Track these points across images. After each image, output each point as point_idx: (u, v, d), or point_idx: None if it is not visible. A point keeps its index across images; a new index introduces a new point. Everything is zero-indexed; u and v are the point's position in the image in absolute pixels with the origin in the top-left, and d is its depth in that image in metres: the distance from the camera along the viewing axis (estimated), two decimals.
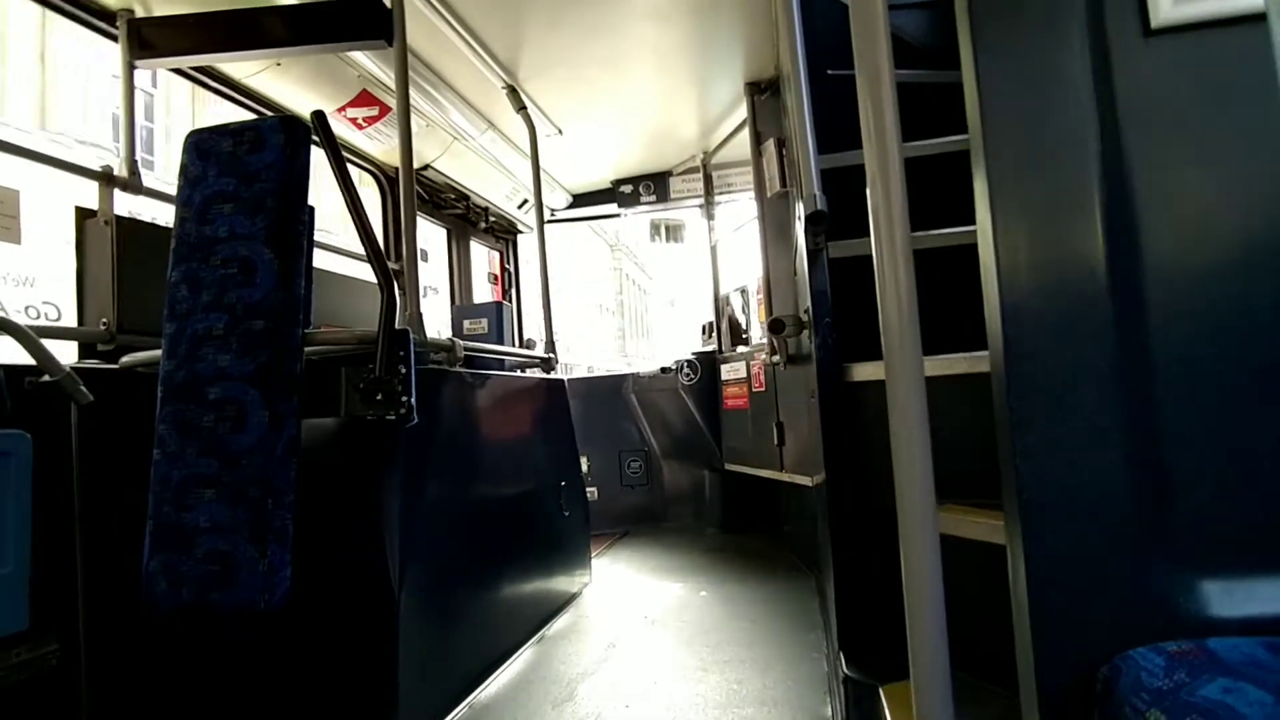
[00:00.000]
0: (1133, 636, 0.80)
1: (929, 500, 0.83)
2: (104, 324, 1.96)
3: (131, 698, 1.72)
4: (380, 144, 3.35)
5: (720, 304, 4.53)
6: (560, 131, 3.91)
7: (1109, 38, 0.87)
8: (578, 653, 2.50)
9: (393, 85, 2.60)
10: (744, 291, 4.42)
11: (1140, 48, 0.86)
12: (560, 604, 3.01)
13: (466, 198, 4.35)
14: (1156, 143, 0.86)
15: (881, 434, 0.88)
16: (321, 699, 1.81)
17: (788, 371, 3.05)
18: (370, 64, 2.73)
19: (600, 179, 4.87)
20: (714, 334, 4.58)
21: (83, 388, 1.60)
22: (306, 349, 1.68)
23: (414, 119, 2.66)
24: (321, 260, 2.37)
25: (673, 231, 5.02)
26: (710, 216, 4.63)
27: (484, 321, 3.75)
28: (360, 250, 1.86)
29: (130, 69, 2.20)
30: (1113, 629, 0.82)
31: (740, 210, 4.71)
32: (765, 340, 3.51)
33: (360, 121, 3.11)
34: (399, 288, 1.85)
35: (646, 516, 4.72)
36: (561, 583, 3.07)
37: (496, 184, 4.29)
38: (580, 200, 5.07)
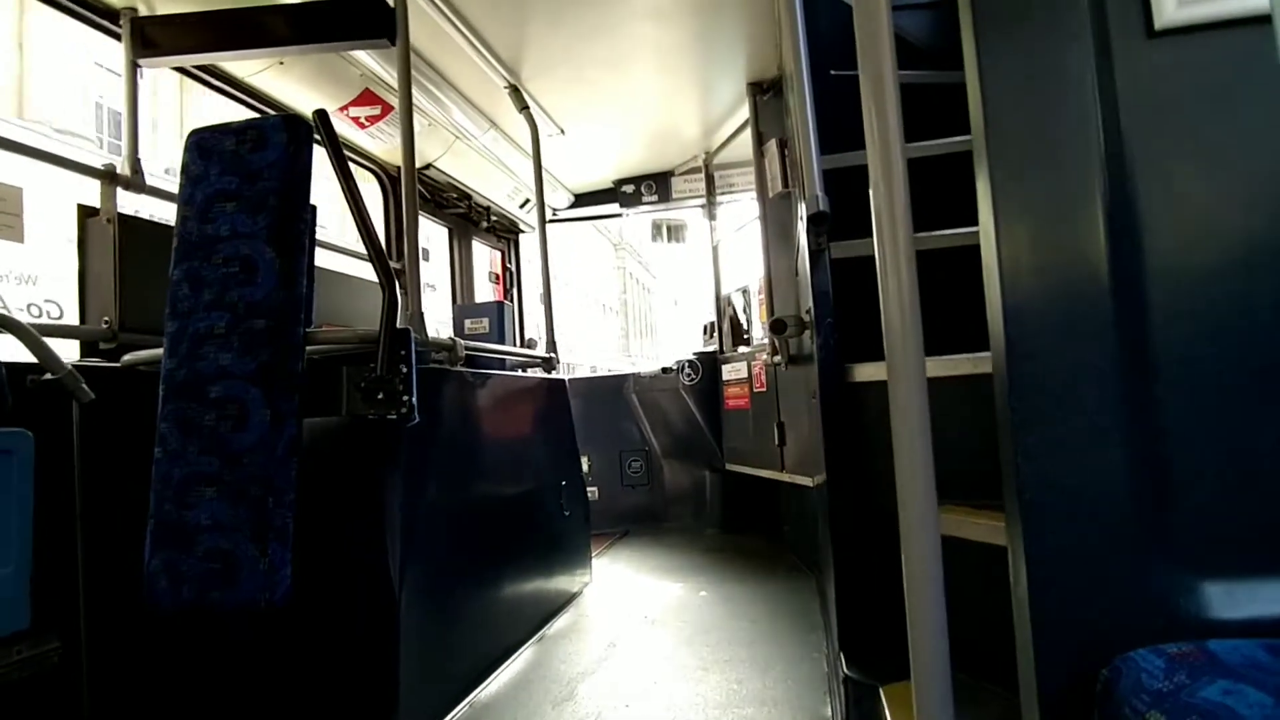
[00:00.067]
0: (1133, 638, 0.80)
1: (930, 501, 0.83)
2: (106, 322, 1.96)
3: (133, 696, 1.72)
4: (382, 143, 3.35)
5: (722, 304, 4.53)
6: (562, 131, 3.91)
7: (1112, 39, 0.87)
8: (578, 652, 2.50)
9: (395, 84, 2.60)
10: (745, 292, 4.42)
11: (1143, 49, 0.86)
12: (560, 603, 3.01)
13: (468, 197, 4.35)
14: (1159, 144, 0.86)
15: (883, 435, 0.88)
16: (322, 698, 1.81)
17: (789, 372, 3.05)
18: (373, 63, 2.73)
19: (602, 179, 4.87)
20: (715, 334, 4.58)
21: (84, 386, 1.60)
22: (308, 348, 1.68)
23: (416, 118, 2.66)
24: (323, 259, 2.37)
25: (674, 231, 5.02)
26: (712, 217, 4.63)
27: (485, 321, 3.75)
28: (361, 249, 1.86)
29: (134, 68, 2.20)
30: (1113, 630, 0.82)
31: (742, 210, 4.71)
32: (766, 340, 3.51)
33: (362, 120, 3.11)
34: (400, 287, 1.85)
35: (647, 516, 4.72)
36: (562, 582, 3.07)
37: (498, 183, 4.29)
38: (582, 200, 5.07)
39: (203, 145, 1.66)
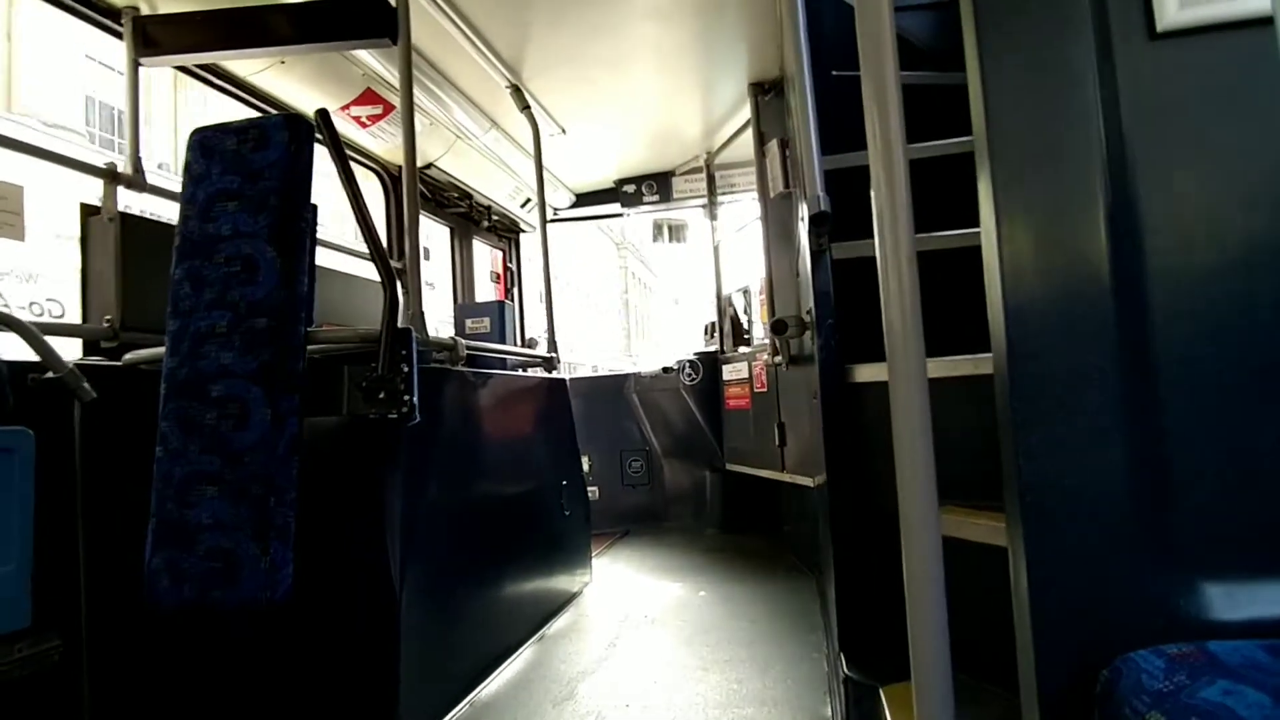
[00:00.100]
0: (1133, 638, 0.80)
1: (931, 501, 0.83)
2: (107, 321, 1.96)
3: (133, 694, 1.72)
4: (384, 142, 3.35)
5: (723, 304, 4.54)
6: (564, 131, 3.92)
7: (1114, 41, 0.87)
8: (578, 652, 2.50)
9: (396, 84, 2.60)
10: (746, 292, 4.42)
11: (1145, 50, 0.86)
12: (561, 603, 3.01)
13: (469, 196, 4.35)
14: (1161, 145, 0.86)
15: (883, 435, 0.88)
16: (323, 696, 1.81)
17: (790, 372, 3.06)
18: (374, 62, 2.73)
19: (603, 178, 4.87)
20: (716, 334, 4.58)
21: (86, 384, 1.60)
22: (309, 347, 1.68)
23: (417, 117, 2.66)
24: (323, 258, 2.37)
25: (675, 231, 5.02)
26: (713, 217, 4.63)
27: (486, 320, 3.76)
28: (362, 248, 1.86)
29: (135, 67, 2.21)
30: (1114, 631, 0.82)
31: (743, 210, 4.71)
32: (767, 341, 3.51)
33: (364, 120, 3.11)
34: (401, 286, 1.86)
35: (647, 516, 4.72)
36: (562, 582, 3.07)
37: (499, 183, 4.29)
38: (583, 200, 5.07)
39: (205, 144, 1.66)
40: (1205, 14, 0.84)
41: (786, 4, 1.97)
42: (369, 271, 2.85)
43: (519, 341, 4.59)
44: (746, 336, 4.40)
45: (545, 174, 3.68)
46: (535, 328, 4.99)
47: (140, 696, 1.73)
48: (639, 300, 39.49)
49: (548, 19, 2.80)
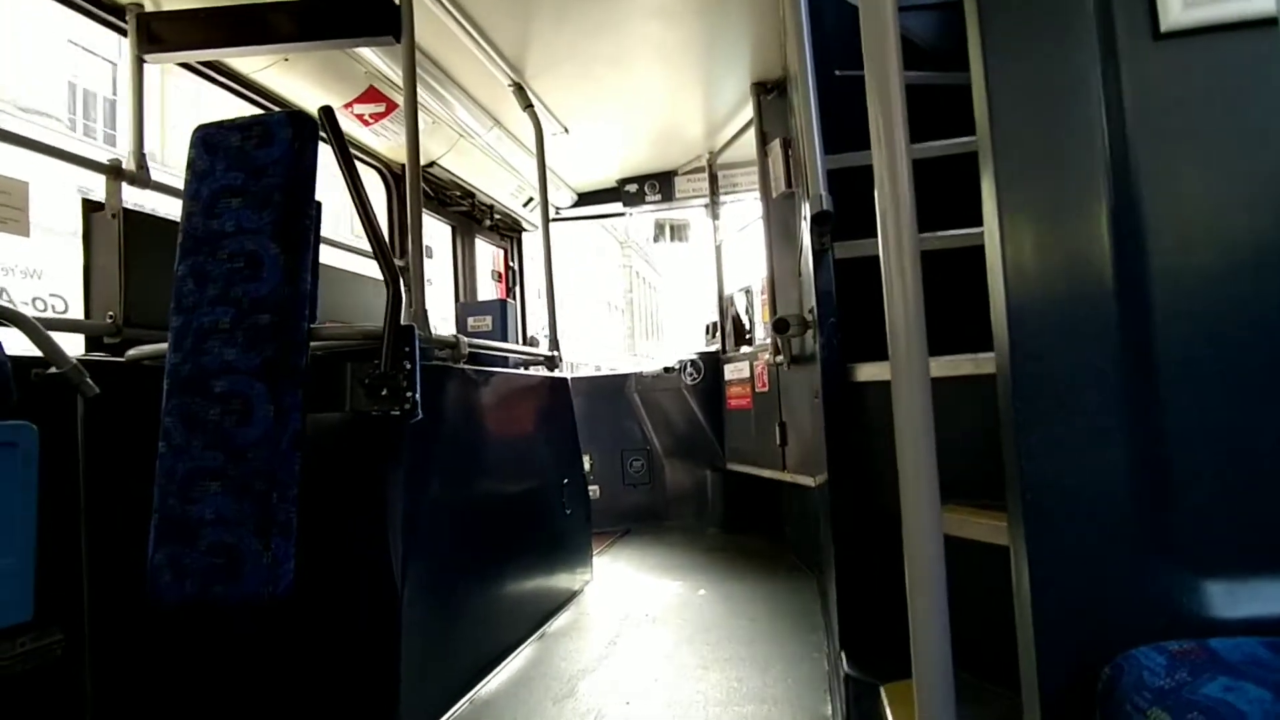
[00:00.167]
0: (1135, 636, 0.80)
1: (933, 500, 0.83)
2: (110, 317, 1.97)
3: (135, 689, 1.72)
4: (386, 140, 3.35)
5: (724, 304, 4.54)
6: (566, 130, 3.92)
7: (1118, 41, 0.87)
8: (579, 650, 2.50)
9: (400, 82, 2.60)
10: (748, 292, 4.42)
11: (1149, 51, 0.86)
12: (561, 601, 3.01)
13: (472, 195, 4.35)
14: (1164, 146, 0.86)
15: (885, 435, 0.88)
16: (324, 692, 1.81)
17: (791, 372, 3.06)
18: (377, 60, 2.73)
19: (606, 178, 4.87)
20: (718, 334, 4.59)
21: (89, 380, 1.60)
22: (312, 344, 1.68)
23: (420, 116, 2.67)
24: (327, 256, 2.38)
25: (678, 231, 5.02)
26: (715, 216, 4.63)
27: (488, 319, 3.76)
28: (365, 246, 1.86)
29: (139, 63, 2.21)
30: (1115, 628, 0.82)
31: (745, 210, 4.71)
32: (769, 340, 3.51)
33: (367, 118, 3.11)
34: (404, 284, 1.86)
35: (648, 515, 4.72)
36: (563, 580, 3.07)
37: (502, 181, 4.29)
38: (585, 199, 5.07)
39: (209, 141, 1.66)
40: (1210, 14, 0.84)
41: (789, 3, 1.97)
42: (372, 269, 2.86)
43: (521, 340, 4.59)
44: (748, 336, 4.40)
45: (548, 173, 3.68)
46: (537, 327, 5.00)
47: (142, 691, 1.74)
48: (643, 299, 39.45)
49: (551, 17, 2.80)
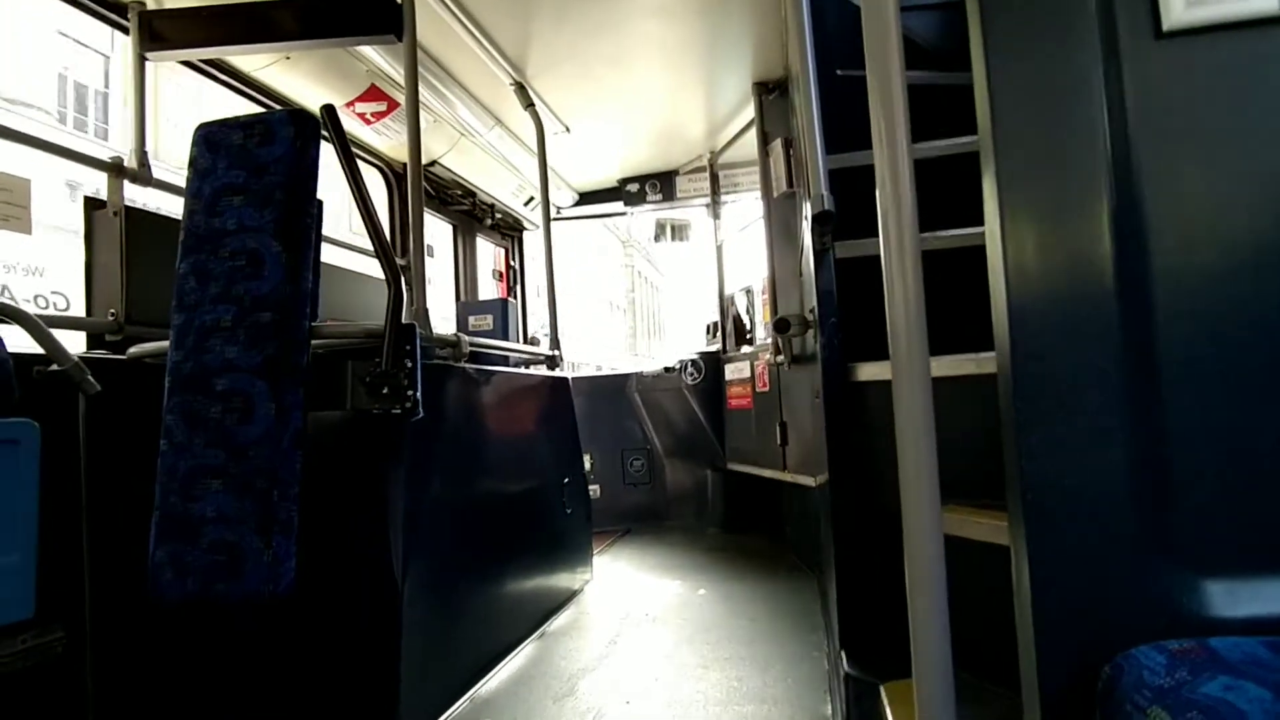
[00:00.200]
0: (1135, 635, 0.80)
1: (933, 500, 0.83)
2: (112, 314, 1.97)
3: (136, 686, 1.73)
4: (388, 139, 3.36)
5: (725, 303, 4.54)
6: (567, 129, 3.92)
7: (1120, 40, 0.87)
8: (579, 649, 2.51)
9: (401, 80, 2.61)
10: (749, 291, 4.42)
11: (1151, 50, 0.86)
12: (562, 600, 3.01)
13: (473, 194, 4.35)
14: (1166, 145, 0.86)
15: (886, 434, 0.88)
16: (325, 690, 1.82)
17: (792, 371, 3.06)
18: (379, 59, 2.73)
19: (607, 177, 4.87)
20: (719, 333, 4.59)
21: (90, 378, 1.61)
22: (313, 342, 1.68)
23: (422, 115, 2.67)
24: (328, 254, 2.38)
25: (679, 231, 5.02)
26: (716, 216, 4.63)
27: (489, 318, 3.76)
28: (367, 245, 1.86)
29: (141, 61, 2.21)
30: (1115, 628, 0.82)
31: (746, 210, 4.71)
32: (770, 340, 3.52)
33: (368, 116, 3.11)
34: (405, 283, 1.86)
35: (648, 515, 4.72)
36: (563, 579, 3.07)
37: (503, 181, 4.29)
38: (586, 198, 5.07)
39: (210, 139, 1.66)
40: (1212, 13, 0.84)
41: (791, 3, 1.97)
42: (373, 268, 2.86)
43: (522, 339, 4.59)
44: (749, 336, 4.40)
45: (549, 172, 3.68)
46: (538, 326, 5.00)
47: (143, 689, 1.74)
48: (646, 299, 39.39)
49: (552, 16, 2.80)
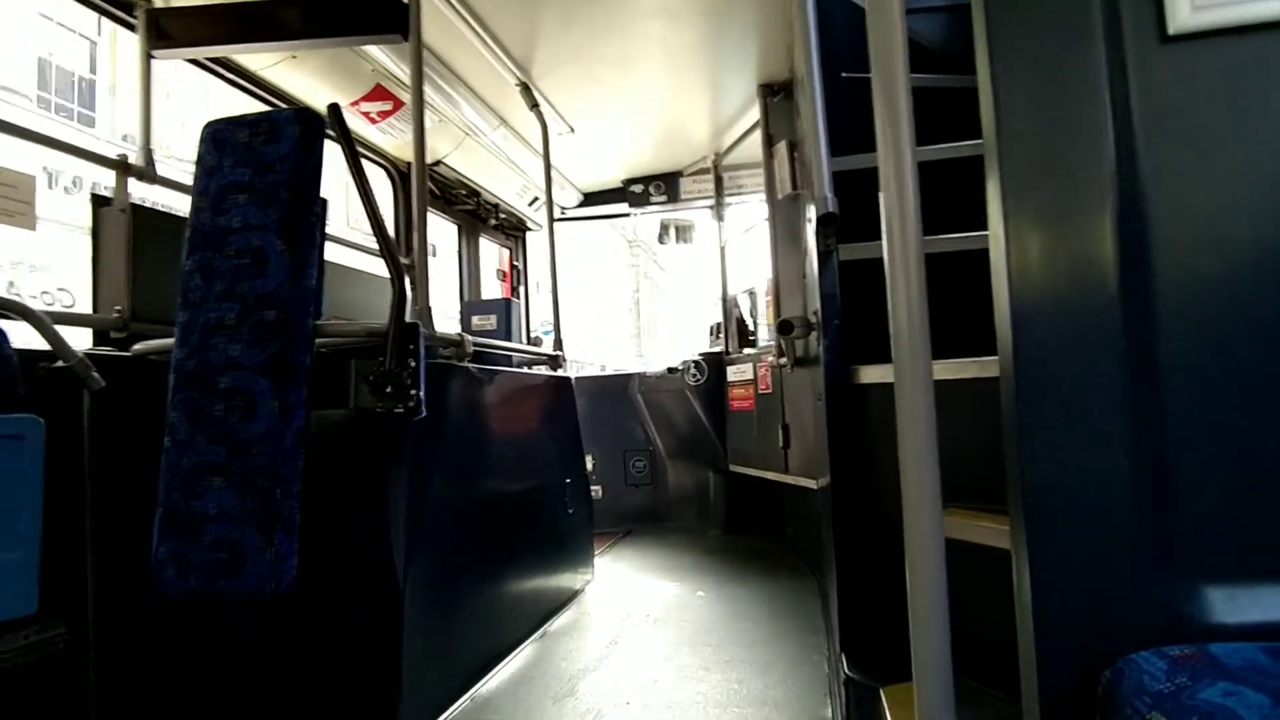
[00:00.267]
0: (1135, 640, 0.80)
1: (935, 504, 0.83)
2: (117, 311, 1.98)
3: (138, 682, 1.73)
4: (393, 139, 3.36)
5: (728, 305, 4.54)
6: (572, 130, 3.92)
7: (1125, 44, 0.87)
8: (579, 649, 2.51)
9: (407, 80, 2.61)
10: (752, 293, 4.42)
11: (1157, 54, 0.86)
12: (563, 600, 3.01)
13: (477, 194, 4.36)
14: (1171, 149, 0.86)
15: (888, 437, 0.88)
16: (325, 689, 1.82)
17: (794, 374, 3.06)
18: (385, 58, 2.74)
19: (611, 178, 4.88)
20: (722, 335, 4.59)
21: (95, 374, 1.61)
22: (317, 341, 1.69)
23: (427, 114, 2.67)
24: (332, 253, 2.39)
25: (682, 232, 5.02)
26: (720, 218, 4.63)
27: (493, 318, 3.77)
28: (371, 244, 1.87)
29: (148, 59, 2.22)
30: (1116, 633, 0.82)
31: (750, 212, 4.71)
32: (772, 342, 3.51)
33: (374, 116, 3.12)
34: (409, 282, 1.86)
35: (650, 516, 4.72)
36: (564, 579, 3.07)
37: (507, 181, 4.30)
38: (591, 199, 5.07)
39: (217, 137, 1.67)
40: (1218, 17, 0.84)
41: (797, 5, 1.97)
42: (377, 267, 2.86)
43: (525, 339, 4.59)
44: (752, 338, 4.40)
45: (553, 173, 3.68)
46: (541, 326, 5.00)
47: (145, 685, 1.75)
48: (651, 300, 39.29)
49: (558, 17, 2.81)
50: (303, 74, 2.73)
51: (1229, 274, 0.84)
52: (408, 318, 1.80)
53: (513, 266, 5.11)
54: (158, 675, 1.77)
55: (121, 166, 2.07)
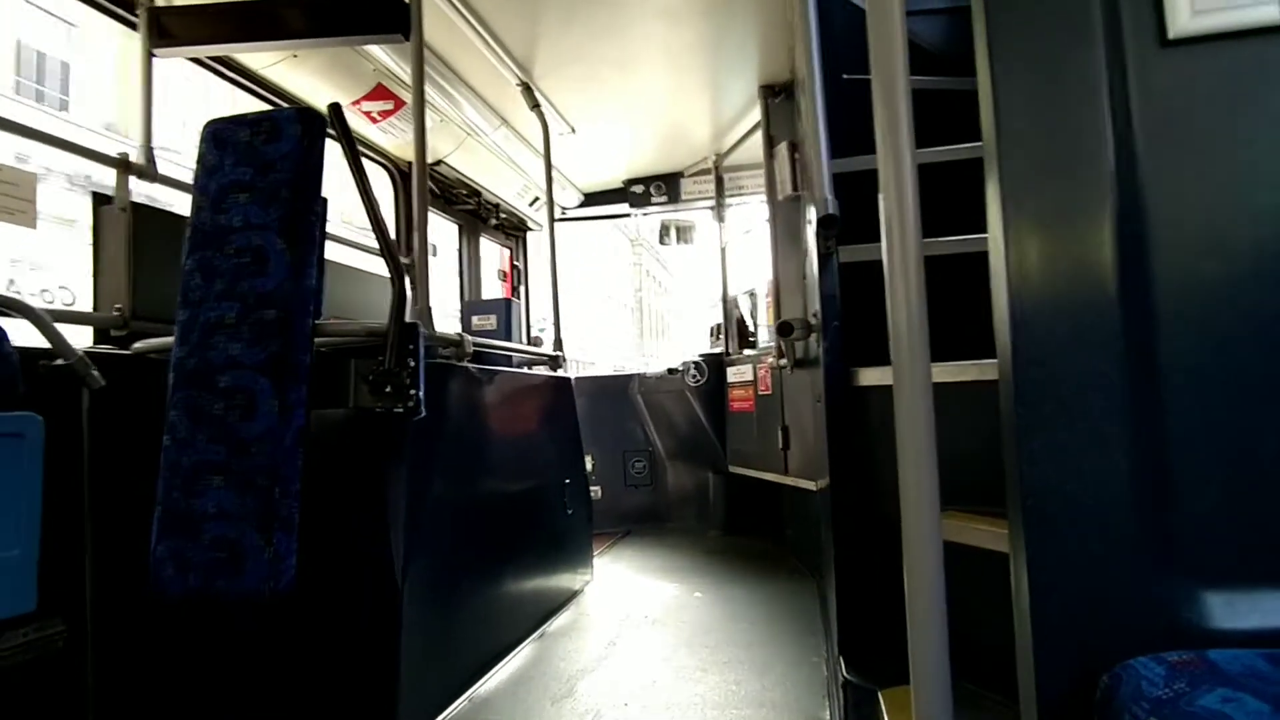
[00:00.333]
0: (1134, 645, 0.80)
1: (933, 506, 0.83)
2: (117, 310, 1.97)
3: (137, 681, 1.73)
4: (394, 138, 3.36)
5: (728, 306, 4.54)
6: (573, 130, 3.92)
7: (1125, 48, 0.87)
8: (578, 650, 2.50)
9: (408, 79, 2.61)
10: (752, 294, 4.42)
11: (1156, 58, 0.86)
12: (561, 601, 3.01)
13: (478, 194, 4.36)
14: (1170, 153, 0.86)
15: (887, 439, 0.88)
16: (324, 688, 1.82)
17: (794, 375, 3.05)
18: (386, 58, 2.74)
19: (612, 178, 4.88)
20: (722, 336, 4.59)
21: (95, 372, 1.61)
22: (317, 340, 1.69)
23: (428, 114, 2.67)
24: (332, 253, 2.39)
25: (683, 233, 5.02)
26: (721, 219, 4.63)
27: (493, 318, 3.77)
28: (371, 243, 1.87)
29: (149, 58, 2.22)
30: (1114, 638, 0.82)
31: (751, 213, 4.71)
32: (772, 344, 3.51)
33: (375, 115, 3.12)
34: (409, 282, 1.86)
35: (649, 517, 4.72)
36: (563, 580, 3.07)
37: (508, 181, 4.30)
38: (591, 199, 5.07)
39: (218, 136, 1.67)
40: (1218, 22, 0.84)
41: (798, 7, 1.97)
42: (378, 266, 2.86)
43: (525, 339, 4.59)
44: (752, 339, 4.40)
45: (554, 173, 3.68)
46: (541, 327, 5.00)
47: (143, 684, 1.75)
48: (653, 299, 39.19)
49: (559, 17, 2.81)
50: (304, 73, 2.74)
51: (1229, 275, 0.84)
52: (408, 317, 1.80)
53: (513, 266, 5.11)
54: (156, 674, 1.77)
55: (122, 165, 2.07)
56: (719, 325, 4.65)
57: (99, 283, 2.03)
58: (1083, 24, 0.88)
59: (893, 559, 0.89)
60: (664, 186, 4.78)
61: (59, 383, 1.59)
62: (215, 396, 1.53)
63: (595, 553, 3.64)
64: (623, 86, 3.46)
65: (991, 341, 0.93)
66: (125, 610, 1.71)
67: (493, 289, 4.97)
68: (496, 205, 4.61)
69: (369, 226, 1.78)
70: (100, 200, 2.05)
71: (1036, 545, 0.85)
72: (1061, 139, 0.88)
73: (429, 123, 3.00)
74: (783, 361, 2.95)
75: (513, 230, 5.04)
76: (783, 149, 3.10)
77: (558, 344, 3.44)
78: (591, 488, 3.65)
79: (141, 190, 2.12)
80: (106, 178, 2.07)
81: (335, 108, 1.75)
